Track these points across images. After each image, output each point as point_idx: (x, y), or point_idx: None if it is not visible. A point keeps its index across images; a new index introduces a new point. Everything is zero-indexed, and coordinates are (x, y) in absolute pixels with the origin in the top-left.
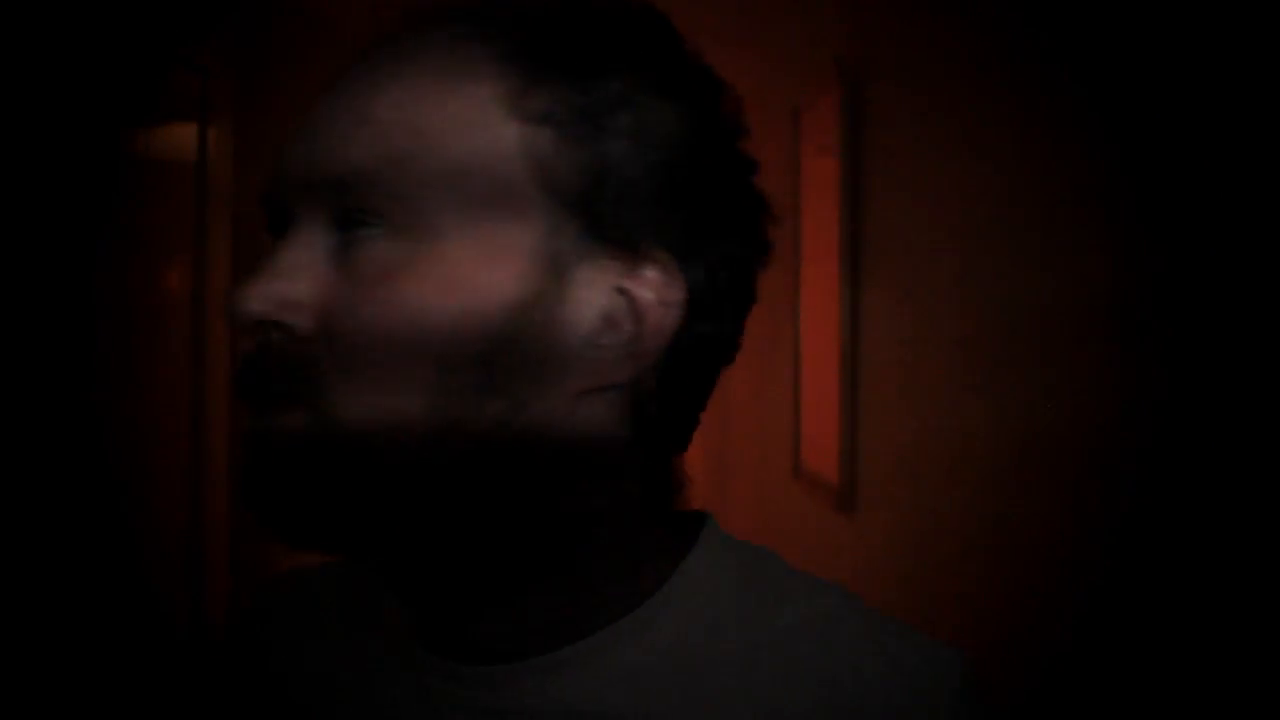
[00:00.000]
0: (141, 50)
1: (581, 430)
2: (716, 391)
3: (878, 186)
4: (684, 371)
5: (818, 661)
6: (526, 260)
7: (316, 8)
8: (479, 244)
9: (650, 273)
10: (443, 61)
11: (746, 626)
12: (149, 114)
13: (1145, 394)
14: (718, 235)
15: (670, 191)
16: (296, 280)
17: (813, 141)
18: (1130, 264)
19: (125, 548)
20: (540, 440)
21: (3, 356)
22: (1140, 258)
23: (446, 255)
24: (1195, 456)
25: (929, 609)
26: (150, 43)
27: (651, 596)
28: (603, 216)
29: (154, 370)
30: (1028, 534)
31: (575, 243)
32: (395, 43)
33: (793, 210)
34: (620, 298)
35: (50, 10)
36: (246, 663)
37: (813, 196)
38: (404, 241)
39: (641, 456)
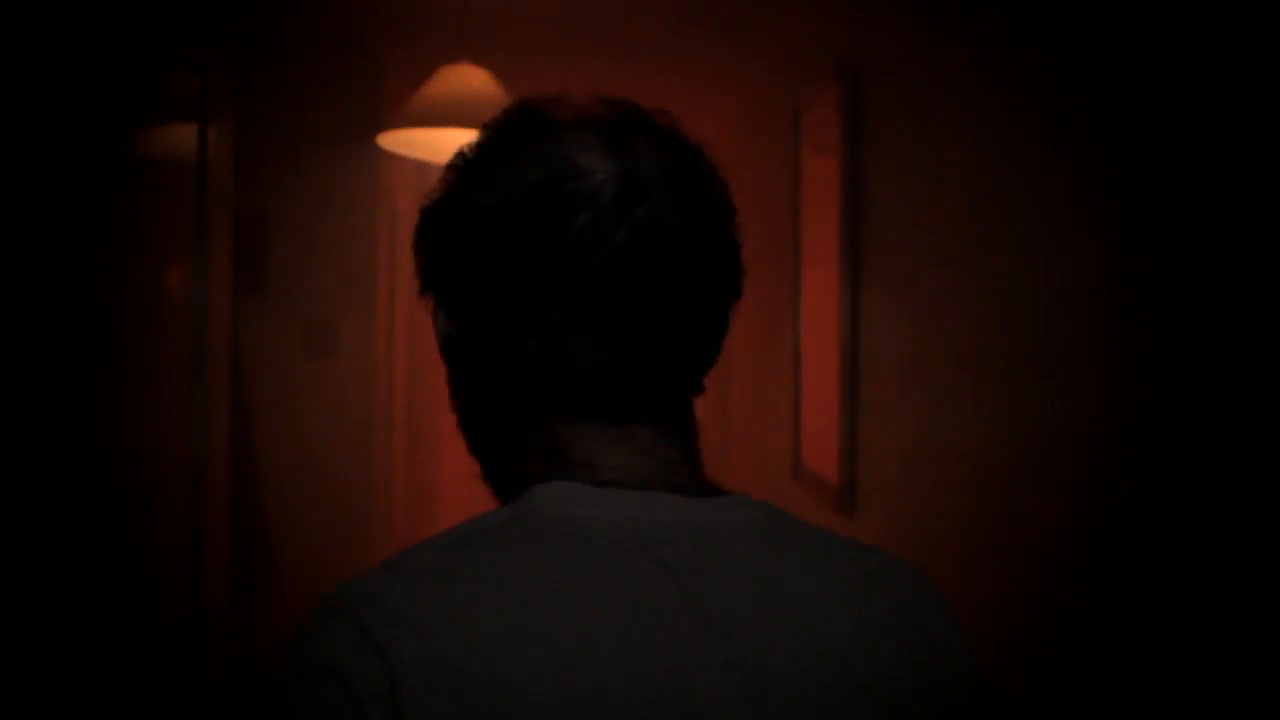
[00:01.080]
0: (141, 50)
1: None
2: (717, 392)
3: (878, 186)
4: (472, 365)
5: None
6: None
7: (316, 8)
8: None
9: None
10: None
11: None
12: (149, 114)
13: (1144, 394)
14: (459, 279)
15: (428, 260)
16: None
17: (813, 141)
18: (1130, 265)
19: (125, 549)
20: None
21: (2, 357)
22: (1139, 259)
23: None
24: (1194, 456)
25: None
26: (150, 43)
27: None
28: (421, 279)
29: (154, 370)
30: (1027, 534)
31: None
32: None
33: (793, 210)
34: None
35: (50, 10)
36: None
37: (813, 196)
38: None
39: (500, 419)
